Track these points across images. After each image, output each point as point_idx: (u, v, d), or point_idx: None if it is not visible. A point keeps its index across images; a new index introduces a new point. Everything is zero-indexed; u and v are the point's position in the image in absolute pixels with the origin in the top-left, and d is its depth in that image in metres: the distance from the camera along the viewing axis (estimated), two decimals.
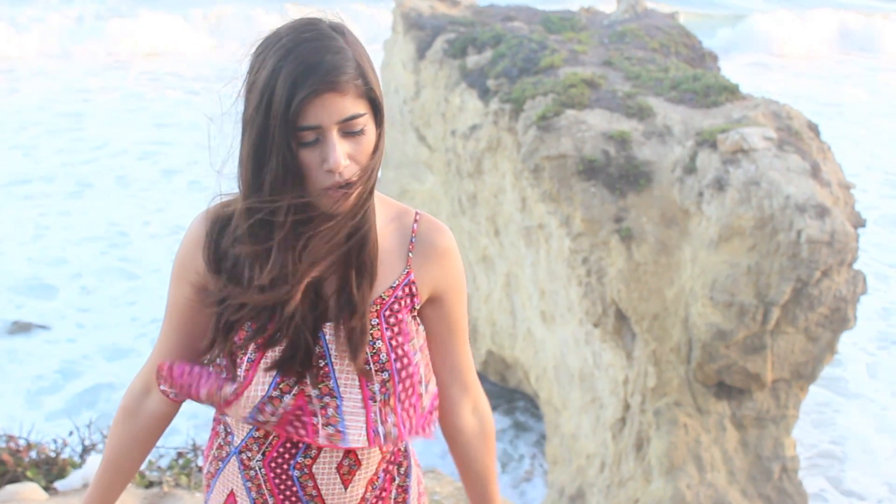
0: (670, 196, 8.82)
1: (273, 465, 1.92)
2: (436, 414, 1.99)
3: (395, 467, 2.04)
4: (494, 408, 12.69)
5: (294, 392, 1.85)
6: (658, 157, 8.97)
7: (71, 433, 4.17)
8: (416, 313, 1.95)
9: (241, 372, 1.87)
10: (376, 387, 1.87)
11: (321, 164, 1.75)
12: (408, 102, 13.53)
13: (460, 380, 2.07)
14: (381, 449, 1.94)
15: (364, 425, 1.85)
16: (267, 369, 1.84)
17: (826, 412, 12.43)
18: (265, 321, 1.82)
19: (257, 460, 1.93)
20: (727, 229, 8.32)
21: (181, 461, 4.03)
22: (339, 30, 1.78)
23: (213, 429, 2.06)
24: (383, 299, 1.90)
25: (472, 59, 11.62)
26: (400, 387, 1.89)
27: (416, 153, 13.57)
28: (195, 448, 4.12)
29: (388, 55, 14.73)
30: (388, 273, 1.92)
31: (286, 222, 1.75)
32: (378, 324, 1.89)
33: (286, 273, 1.77)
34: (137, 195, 18.19)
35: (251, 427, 1.93)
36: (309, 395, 1.86)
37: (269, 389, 1.84)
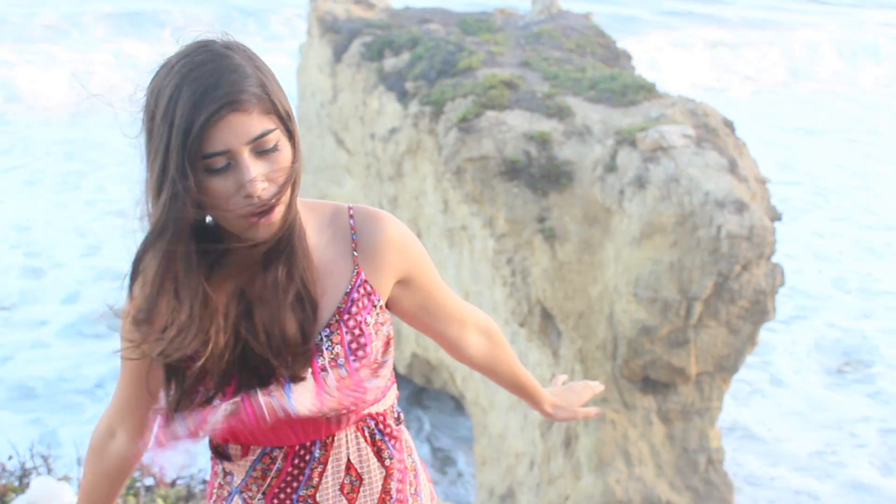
0: (592, 195, 8.90)
1: (276, 501, 1.88)
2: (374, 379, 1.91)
3: (407, 486, 2.00)
4: (419, 409, 12.69)
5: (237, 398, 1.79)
6: (579, 156, 9.05)
7: (10, 457, 4.03)
8: (380, 308, 1.89)
9: (212, 418, 1.79)
10: (330, 377, 1.80)
11: (237, 191, 1.65)
12: (325, 106, 13.44)
13: (455, 318, 2.08)
14: (352, 408, 1.85)
15: (315, 397, 1.78)
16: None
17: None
18: (224, 372, 1.76)
19: (259, 499, 1.89)
20: (649, 226, 8.43)
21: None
22: (232, 47, 1.70)
23: (213, 468, 2.00)
24: (340, 308, 1.85)
25: (390, 62, 11.59)
26: (357, 372, 1.84)
27: (335, 157, 13.48)
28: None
29: (303, 59, 14.62)
30: (338, 280, 1.86)
31: (184, 256, 1.68)
32: (338, 330, 1.83)
33: (198, 314, 1.70)
34: None
35: (249, 467, 1.88)
36: (256, 400, 1.79)
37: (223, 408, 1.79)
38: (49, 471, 3.88)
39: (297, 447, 1.87)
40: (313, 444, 1.88)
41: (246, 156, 1.64)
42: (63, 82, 24.59)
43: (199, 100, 1.61)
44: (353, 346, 1.83)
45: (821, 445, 11.83)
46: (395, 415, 2.01)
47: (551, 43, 11.82)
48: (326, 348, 1.81)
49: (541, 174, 8.95)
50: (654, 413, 8.83)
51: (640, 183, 8.48)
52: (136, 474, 3.92)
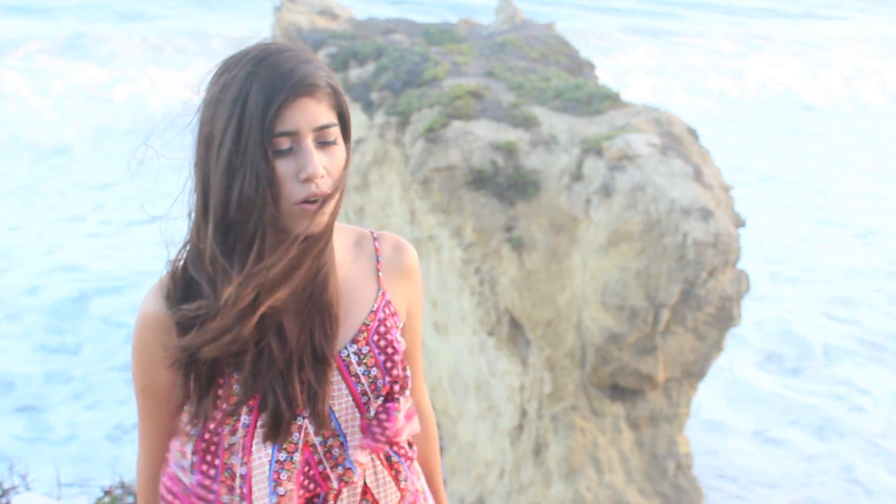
0: (559, 203, 8.95)
1: None
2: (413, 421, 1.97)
3: None
4: None
5: (300, 447, 1.80)
6: (545, 165, 9.09)
7: None
8: (400, 330, 1.94)
9: (236, 439, 1.80)
10: (372, 413, 1.85)
11: (296, 175, 1.69)
12: None
13: (415, 381, 2.11)
14: (378, 449, 1.89)
15: (369, 453, 1.83)
16: (261, 442, 1.79)
17: None
18: (248, 379, 1.76)
19: None
20: (615, 234, 8.48)
21: (107, 499, 3.91)
22: (301, 46, 1.76)
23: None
24: (367, 325, 1.87)
25: (355, 73, 11.60)
26: (401, 397, 1.88)
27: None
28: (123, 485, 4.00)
29: None
30: (364, 298, 1.90)
31: (254, 241, 1.68)
32: (370, 351, 1.86)
33: (242, 295, 1.69)
34: None
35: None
36: (313, 445, 1.81)
37: (272, 459, 1.79)
38: (27, 488, 3.86)
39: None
40: None
41: (310, 141, 1.69)
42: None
43: (277, 81, 1.65)
44: (388, 364, 1.87)
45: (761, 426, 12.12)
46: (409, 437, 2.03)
47: (515, 53, 11.88)
48: (363, 373, 1.84)
49: (508, 183, 8.98)
50: (623, 420, 8.88)
51: (607, 191, 8.54)
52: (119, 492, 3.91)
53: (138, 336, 1.81)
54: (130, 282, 14.77)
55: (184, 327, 1.76)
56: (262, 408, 1.76)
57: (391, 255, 1.96)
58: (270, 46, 1.71)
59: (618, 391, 8.83)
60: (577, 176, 8.83)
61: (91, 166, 20.29)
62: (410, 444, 2.02)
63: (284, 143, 1.68)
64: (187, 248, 1.79)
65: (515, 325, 9.13)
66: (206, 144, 1.70)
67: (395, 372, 1.87)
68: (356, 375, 1.84)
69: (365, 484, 1.90)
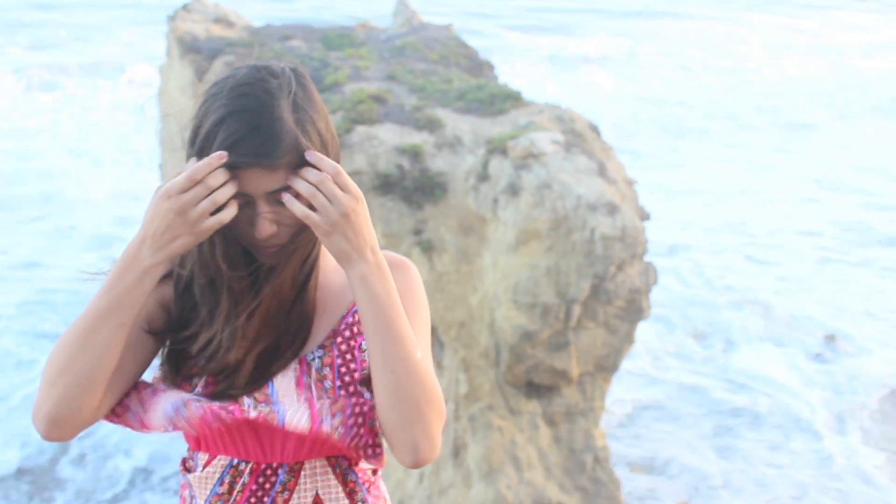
0: (466, 205, 8.97)
1: None
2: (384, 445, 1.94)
3: None
4: None
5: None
6: (451, 167, 9.11)
7: None
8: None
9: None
10: (314, 396, 1.84)
11: (250, 224, 1.75)
12: (188, 128, 13.18)
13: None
14: (322, 439, 1.85)
15: (307, 412, 1.80)
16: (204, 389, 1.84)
17: None
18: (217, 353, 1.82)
19: None
20: (524, 233, 8.53)
21: None
22: (286, 88, 1.73)
23: (181, 494, 1.98)
24: (335, 331, 1.88)
25: None
26: (351, 400, 1.84)
27: None
28: None
29: (164, 81, 14.32)
30: (338, 305, 1.91)
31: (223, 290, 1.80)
32: (329, 355, 1.87)
33: (234, 337, 1.80)
34: None
35: (216, 481, 1.87)
36: (240, 401, 1.82)
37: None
38: None
39: (262, 466, 1.86)
40: (280, 466, 1.87)
41: (261, 202, 1.72)
42: None
43: (232, 144, 1.68)
44: (343, 369, 1.87)
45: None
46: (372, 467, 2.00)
47: (415, 55, 11.88)
48: (316, 368, 1.85)
49: (414, 187, 8.97)
50: (540, 417, 8.94)
51: (514, 190, 8.58)
52: None
53: None
54: None
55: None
56: (216, 382, 1.83)
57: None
58: (243, 96, 1.70)
59: (533, 388, 8.89)
60: (484, 176, 8.86)
61: None
62: (374, 472, 2.00)
63: (238, 199, 1.72)
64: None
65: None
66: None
67: (346, 378, 1.86)
68: (308, 373, 1.86)
69: (317, 493, 1.89)
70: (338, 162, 1.78)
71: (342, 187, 1.70)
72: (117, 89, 25.76)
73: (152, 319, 1.85)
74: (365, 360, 1.88)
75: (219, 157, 1.68)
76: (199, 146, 1.72)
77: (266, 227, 1.72)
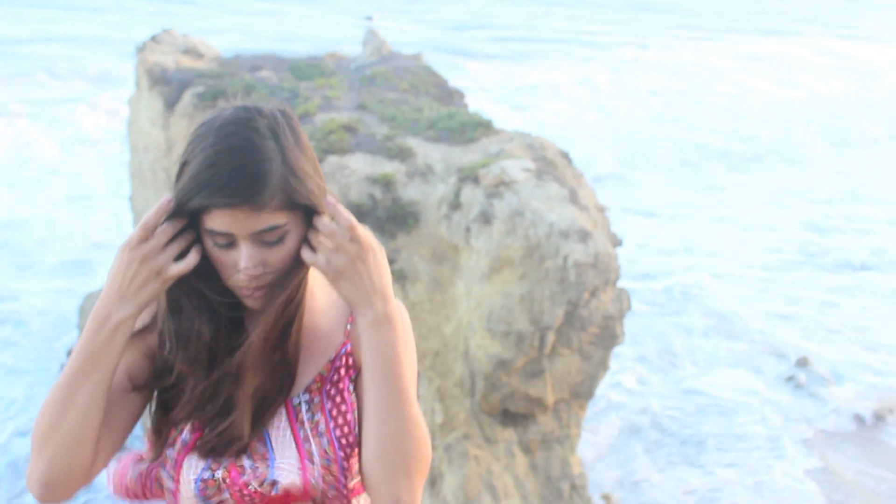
0: (439, 233, 8.96)
1: None
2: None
3: None
4: None
5: (225, 465, 1.79)
6: (423, 196, 9.10)
7: None
8: (354, 384, 1.89)
9: (171, 453, 1.80)
10: (314, 449, 1.80)
11: (234, 266, 1.72)
12: (159, 160, 13.12)
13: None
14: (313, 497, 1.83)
15: (299, 471, 1.78)
16: (200, 455, 1.79)
17: None
18: (199, 404, 1.79)
19: None
20: (497, 261, 8.53)
21: None
22: (274, 129, 1.71)
23: None
24: (323, 375, 1.86)
25: None
26: (341, 454, 1.81)
27: None
28: None
29: (133, 112, 14.25)
30: (327, 348, 1.88)
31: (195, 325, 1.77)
32: (320, 401, 1.84)
33: (228, 402, 1.78)
34: None
35: None
36: (241, 466, 1.79)
37: (200, 473, 1.78)
38: None
39: None
40: None
41: (246, 243, 1.70)
42: None
43: (219, 186, 1.65)
44: (334, 412, 1.84)
45: None
46: None
47: (385, 84, 11.90)
48: (307, 418, 1.83)
49: (387, 216, 8.96)
50: (516, 445, 8.91)
51: (486, 218, 8.59)
52: None
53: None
54: None
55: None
56: (205, 427, 1.79)
57: None
58: (230, 137, 1.68)
59: (509, 417, 8.86)
60: (456, 205, 8.86)
61: None
62: None
63: (221, 240, 1.70)
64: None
65: None
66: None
67: (339, 420, 1.84)
68: (302, 422, 1.82)
69: None
70: (323, 196, 1.77)
71: (354, 239, 1.72)
72: (86, 119, 25.65)
73: (136, 372, 1.82)
74: (354, 402, 1.86)
75: (167, 201, 1.68)
76: (186, 186, 1.68)
77: (250, 265, 1.70)
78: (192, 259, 1.72)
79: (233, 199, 1.65)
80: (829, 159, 27.33)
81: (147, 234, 1.69)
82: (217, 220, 1.68)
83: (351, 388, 1.87)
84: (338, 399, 1.86)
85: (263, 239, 1.71)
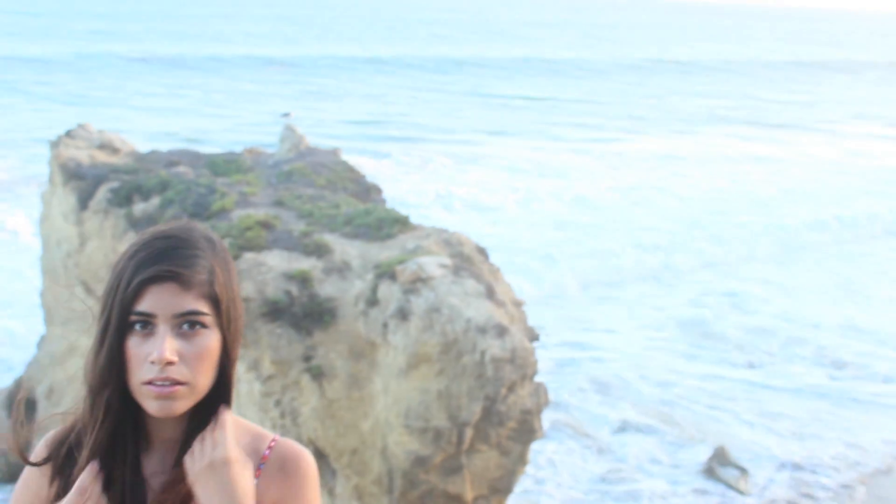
0: (356, 330, 8.94)
1: None
2: None
3: None
4: None
5: None
6: (340, 292, 9.10)
7: None
8: None
9: None
10: None
11: (146, 357, 1.73)
12: (72, 255, 12.92)
13: None
14: None
15: None
16: None
17: None
18: None
19: None
20: (414, 357, 8.53)
21: None
22: (209, 238, 1.81)
23: None
24: None
25: (139, 207, 11.35)
26: None
27: (85, 307, 12.92)
28: None
29: (46, 208, 14.05)
30: None
31: (100, 417, 1.78)
32: None
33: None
34: None
35: None
36: None
37: None
38: None
39: None
40: None
41: (165, 327, 1.72)
42: None
43: (148, 260, 1.72)
44: None
45: None
46: None
47: (303, 180, 11.94)
48: None
49: (304, 313, 8.92)
50: None
51: (403, 315, 8.60)
52: None
53: (20, 486, 1.92)
54: None
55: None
56: None
57: (276, 460, 1.92)
58: (165, 233, 1.77)
59: None
60: (373, 301, 8.87)
61: None
62: None
63: (143, 326, 1.73)
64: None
65: (320, 455, 8.96)
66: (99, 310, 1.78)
67: None
68: None
69: None
70: (239, 331, 1.84)
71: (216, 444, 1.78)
72: None
73: None
74: None
75: (93, 466, 1.78)
76: (111, 280, 1.74)
77: (166, 349, 1.71)
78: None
79: (163, 269, 1.71)
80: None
81: (83, 500, 1.77)
82: (145, 301, 1.71)
83: None
84: None
85: (182, 325, 1.73)
